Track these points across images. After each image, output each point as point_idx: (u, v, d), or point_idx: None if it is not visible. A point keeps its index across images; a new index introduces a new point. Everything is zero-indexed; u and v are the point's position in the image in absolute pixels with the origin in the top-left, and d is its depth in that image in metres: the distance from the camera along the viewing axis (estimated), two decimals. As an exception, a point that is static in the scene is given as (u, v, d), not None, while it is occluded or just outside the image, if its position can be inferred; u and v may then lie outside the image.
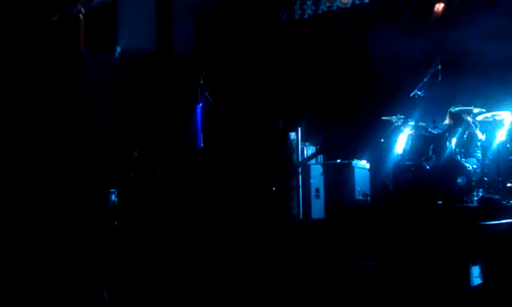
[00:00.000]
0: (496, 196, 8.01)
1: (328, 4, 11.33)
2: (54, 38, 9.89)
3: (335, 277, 6.09)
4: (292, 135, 9.89)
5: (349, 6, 11.16)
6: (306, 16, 11.65)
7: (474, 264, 5.81)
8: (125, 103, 11.31)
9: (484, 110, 8.75)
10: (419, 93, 8.94)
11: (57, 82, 10.02)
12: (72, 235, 8.11)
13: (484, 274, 5.69)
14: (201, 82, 9.42)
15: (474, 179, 8.37)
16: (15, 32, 9.32)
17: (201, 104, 9.41)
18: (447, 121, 9.07)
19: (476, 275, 5.80)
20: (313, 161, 10.18)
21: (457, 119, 8.87)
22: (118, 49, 11.17)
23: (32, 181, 9.04)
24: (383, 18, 11.19)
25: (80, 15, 10.10)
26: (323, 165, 10.04)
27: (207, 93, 9.45)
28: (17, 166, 9.13)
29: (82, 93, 10.44)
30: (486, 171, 8.47)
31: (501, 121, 8.59)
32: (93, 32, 10.70)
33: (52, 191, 8.98)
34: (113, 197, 9.74)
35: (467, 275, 5.71)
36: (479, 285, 5.67)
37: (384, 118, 9.63)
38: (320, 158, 10.31)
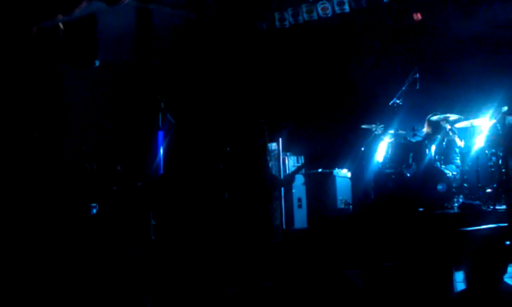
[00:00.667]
0: (477, 202, 8.10)
1: (307, 14, 11.34)
2: (33, 49, 9.80)
3: (320, 286, 6.10)
4: (273, 145, 9.91)
5: (329, 15, 11.19)
6: (287, 24, 11.65)
7: (457, 270, 5.86)
8: (106, 117, 11.24)
9: (462, 117, 8.85)
10: (398, 101, 9.03)
11: (36, 95, 9.92)
12: (52, 248, 8.02)
13: (466, 279, 5.74)
14: (162, 106, 9.41)
15: (454, 185, 8.46)
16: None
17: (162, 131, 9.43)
18: (425, 129, 9.16)
19: (459, 280, 5.84)
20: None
21: (436, 126, 8.98)
22: (97, 63, 11.11)
23: (11, 197, 8.94)
24: (363, 27, 11.25)
25: (60, 25, 10.01)
26: (305, 175, 10.06)
27: (168, 115, 9.45)
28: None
29: (61, 107, 10.34)
30: (465, 177, 8.57)
31: (479, 127, 8.70)
32: (72, 44, 10.62)
33: (31, 205, 8.89)
34: (94, 212, 9.66)
35: (450, 281, 5.75)
36: (462, 291, 5.72)
37: (364, 126, 9.70)
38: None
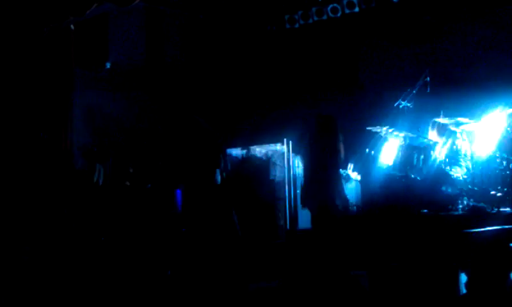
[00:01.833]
0: (481, 204, 8.07)
1: (317, 16, 11.35)
2: (44, 51, 9.88)
3: (326, 287, 6.11)
4: (278, 145, 9.96)
5: (339, 16, 11.19)
6: (296, 25, 11.67)
7: (463, 271, 5.85)
8: (117, 118, 11.32)
9: (470, 120, 8.81)
10: (408, 104, 8.99)
11: (47, 97, 10.00)
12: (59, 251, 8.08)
13: (469, 281, 5.73)
14: None
15: (462, 188, 8.42)
16: (4, 44, 9.30)
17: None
18: (434, 132, 9.11)
19: (464, 282, 5.83)
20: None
21: (444, 129, 8.94)
22: (108, 65, 11.19)
23: (14, 197, 8.98)
24: (373, 29, 11.24)
25: (71, 26, 10.09)
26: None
27: None
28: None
29: (71, 107, 10.41)
30: (473, 180, 8.52)
31: (488, 131, 8.66)
32: (83, 46, 10.70)
33: (37, 207, 8.93)
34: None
35: (456, 282, 5.75)
36: (466, 293, 5.70)
37: (369, 128, 9.65)
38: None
